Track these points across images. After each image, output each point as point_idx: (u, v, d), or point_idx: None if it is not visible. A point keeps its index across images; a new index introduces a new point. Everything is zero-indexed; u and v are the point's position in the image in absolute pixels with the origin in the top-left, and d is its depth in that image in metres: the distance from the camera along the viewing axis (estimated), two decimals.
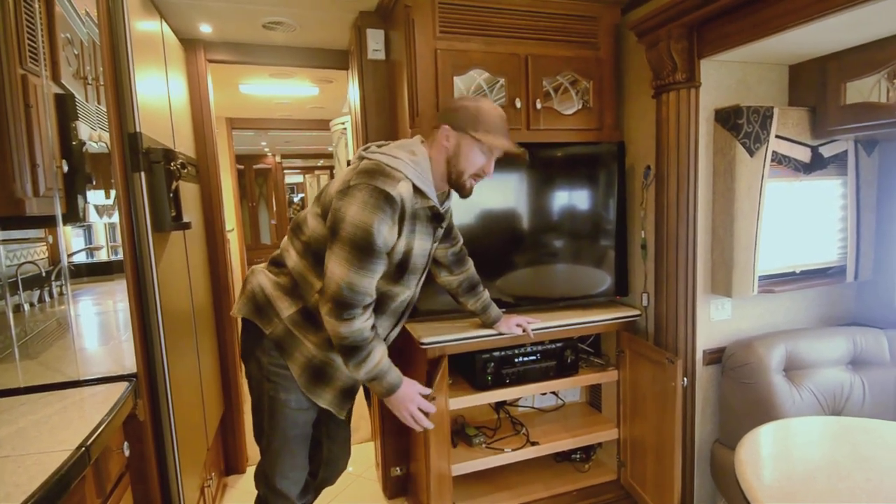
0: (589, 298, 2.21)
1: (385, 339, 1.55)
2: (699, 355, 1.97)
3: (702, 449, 2.03)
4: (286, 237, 1.51)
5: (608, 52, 2.14)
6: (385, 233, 1.29)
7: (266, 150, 8.02)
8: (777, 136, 1.87)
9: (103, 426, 1.14)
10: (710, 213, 1.93)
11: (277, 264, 1.50)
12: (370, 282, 1.32)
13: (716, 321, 1.98)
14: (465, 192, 1.48)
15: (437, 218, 1.48)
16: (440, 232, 1.58)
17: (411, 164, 1.36)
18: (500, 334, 1.93)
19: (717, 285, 1.93)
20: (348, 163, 1.55)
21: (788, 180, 1.99)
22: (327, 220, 1.33)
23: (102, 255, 1.82)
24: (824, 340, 1.92)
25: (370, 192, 1.27)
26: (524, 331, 1.94)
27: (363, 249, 1.27)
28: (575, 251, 2.21)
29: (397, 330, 1.62)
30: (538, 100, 2.04)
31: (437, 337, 1.86)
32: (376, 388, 1.42)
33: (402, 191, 1.31)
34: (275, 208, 8.32)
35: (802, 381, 1.84)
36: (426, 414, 1.47)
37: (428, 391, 1.49)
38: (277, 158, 8.28)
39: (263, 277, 1.48)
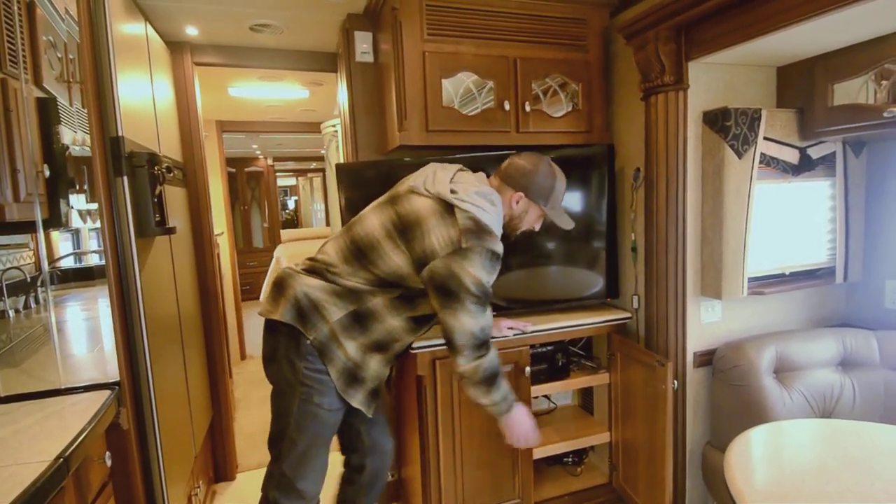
0: (580, 301, 2.21)
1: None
2: (690, 357, 1.97)
3: (693, 451, 2.03)
4: (340, 259, 1.52)
5: (597, 55, 2.13)
6: (491, 280, 1.49)
7: (258, 152, 7.98)
8: (765, 138, 1.87)
9: (83, 436, 1.12)
10: (699, 215, 1.93)
11: (323, 277, 1.52)
12: (489, 321, 1.50)
13: (706, 323, 1.98)
14: (510, 237, 1.65)
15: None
16: None
17: (496, 217, 1.51)
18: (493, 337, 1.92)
19: (707, 287, 1.93)
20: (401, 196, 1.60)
21: (777, 182, 1.99)
22: (431, 275, 1.44)
23: (94, 259, 1.80)
24: (814, 342, 1.92)
25: (487, 256, 1.44)
26: (520, 332, 1.96)
27: (483, 301, 1.45)
28: (566, 254, 2.21)
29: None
30: (527, 102, 2.03)
31: (428, 342, 1.85)
32: (502, 408, 1.54)
33: (500, 248, 1.49)
34: (267, 211, 8.27)
35: (793, 382, 1.84)
36: None
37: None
38: (269, 161, 8.24)
39: (309, 282, 1.50)
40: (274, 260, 5.78)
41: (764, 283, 2.01)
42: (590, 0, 2.08)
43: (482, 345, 1.47)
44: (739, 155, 1.81)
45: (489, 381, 1.50)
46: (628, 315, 2.16)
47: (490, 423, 1.98)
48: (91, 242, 1.79)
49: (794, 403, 1.82)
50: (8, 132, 1.34)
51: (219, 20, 2.18)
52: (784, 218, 2.03)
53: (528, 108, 2.03)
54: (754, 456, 1.44)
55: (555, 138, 2.11)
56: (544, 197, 1.60)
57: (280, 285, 1.53)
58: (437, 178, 1.52)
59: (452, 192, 1.47)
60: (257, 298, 6.58)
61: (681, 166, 1.87)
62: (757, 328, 2.06)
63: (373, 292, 1.51)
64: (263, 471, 2.67)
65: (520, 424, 1.58)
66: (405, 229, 1.47)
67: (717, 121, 1.84)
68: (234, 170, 7.90)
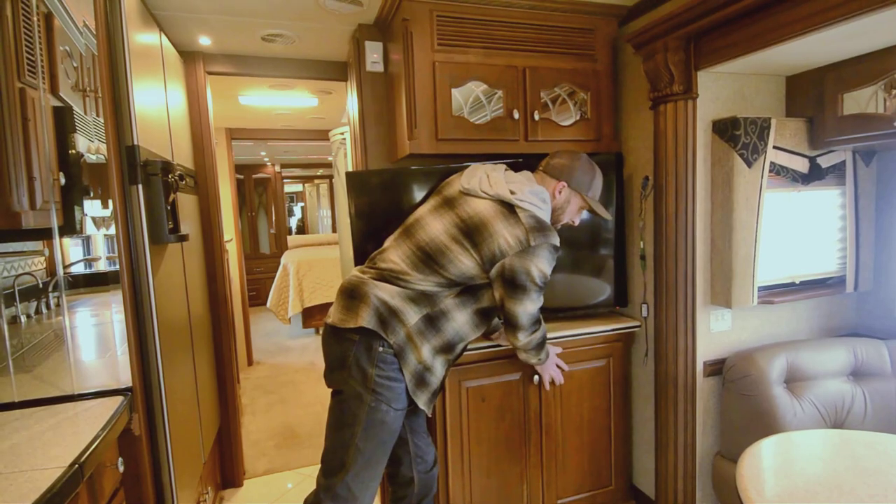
0: (589, 309, 2.21)
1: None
2: (699, 367, 1.96)
3: (703, 461, 2.02)
4: (408, 265, 1.56)
5: (605, 64, 2.15)
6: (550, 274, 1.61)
7: (265, 159, 8.05)
8: (775, 147, 1.88)
9: (97, 442, 1.13)
10: (708, 223, 1.93)
11: (394, 282, 1.55)
12: (539, 306, 1.63)
13: (716, 332, 1.98)
14: (555, 228, 1.68)
15: None
16: None
17: (548, 213, 1.64)
18: (500, 346, 1.92)
19: (717, 296, 1.92)
20: (443, 196, 1.68)
21: (787, 191, 1.99)
22: (502, 271, 1.53)
23: (101, 266, 1.82)
24: (825, 351, 1.91)
25: (550, 251, 1.55)
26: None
27: (541, 288, 1.59)
28: (575, 262, 2.21)
29: None
30: (536, 111, 2.04)
31: None
32: (543, 359, 1.78)
33: (558, 241, 1.59)
34: (274, 217, 8.32)
35: (803, 392, 1.83)
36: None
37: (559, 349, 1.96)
38: (277, 168, 8.29)
39: (385, 287, 1.54)
40: (281, 267, 5.81)
41: (774, 292, 2.00)
42: (598, 10, 2.10)
43: (538, 321, 1.66)
44: (749, 164, 1.81)
45: (540, 346, 1.72)
46: (637, 323, 2.15)
47: (498, 430, 1.98)
48: (101, 249, 1.81)
49: (805, 414, 1.80)
50: (25, 141, 1.36)
51: (231, 30, 2.20)
52: (794, 227, 2.02)
53: (536, 117, 2.04)
54: (766, 467, 1.43)
55: (563, 147, 2.11)
56: (587, 186, 1.70)
57: (353, 293, 1.55)
58: (492, 179, 1.60)
59: (511, 192, 1.55)
60: (264, 304, 6.61)
61: (690, 175, 1.87)
62: (767, 337, 2.05)
63: (444, 294, 1.58)
64: (270, 478, 2.67)
65: (549, 369, 1.90)
66: (471, 232, 1.54)
67: (726, 130, 1.84)
68: (241, 176, 7.96)
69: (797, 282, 2.08)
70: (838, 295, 2.11)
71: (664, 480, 2.05)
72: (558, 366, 1.93)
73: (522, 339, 1.66)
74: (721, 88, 1.90)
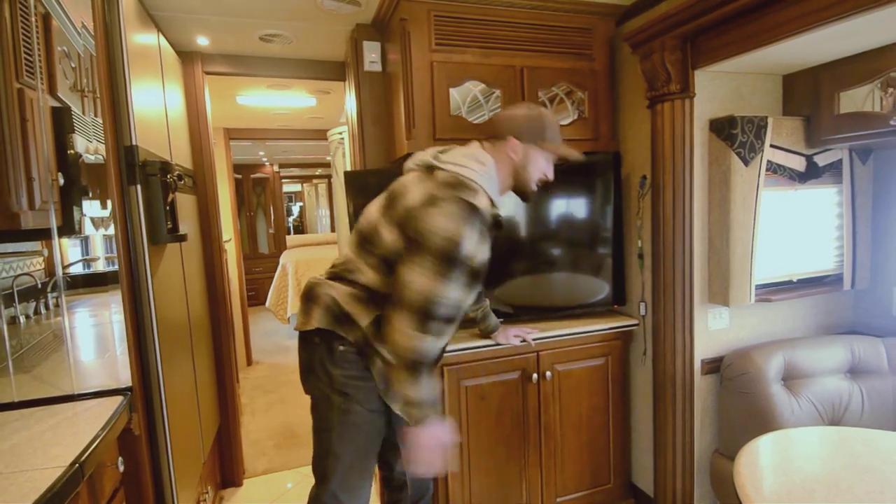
0: (587, 308, 2.21)
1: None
2: (697, 365, 1.97)
3: (701, 459, 2.02)
4: (353, 253, 1.47)
5: (603, 64, 2.15)
6: (472, 245, 1.28)
7: (264, 159, 8.04)
8: (772, 146, 1.88)
9: (97, 441, 1.13)
10: (706, 222, 1.93)
11: (345, 280, 1.46)
12: (456, 294, 1.28)
13: (713, 330, 1.98)
14: (530, 198, 1.54)
15: (497, 226, 1.46)
16: None
17: (484, 177, 1.38)
18: (498, 345, 1.93)
19: (715, 294, 1.93)
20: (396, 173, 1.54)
21: (784, 189, 2.00)
22: (406, 231, 1.31)
23: (99, 266, 1.82)
24: (822, 349, 1.92)
25: (459, 205, 1.27)
26: (523, 341, 1.94)
27: (448, 259, 1.25)
28: (573, 260, 2.21)
29: None
30: None
31: None
32: (415, 413, 1.33)
33: (483, 204, 1.32)
34: (272, 217, 8.32)
35: (801, 390, 1.84)
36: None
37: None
38: (275, 168, 8.29)
39: (335, 290, 1.44)
40: (280, 267, 5.81)
41: (771, 291, 2.01)
42: (596, 10, 2.10)
43: (427, 317, 1.26)
44: (746, 162, 1.82)
45: (412, 367, 1.29)
46: (635, 322, 2.16)
47: (498, 429, 1.99)
48: (99, 249, 1.81)
49: (803, 411, 1.81)
50: (24, 141, 1.36)
51: (229, 31, 2.21)
52: (791, 225, 2.03)
53: None
54: (763, 464, 1.44)
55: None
56: (540, 135, 1.48)
57: (309, 295, 1.48)
58: (426, 152, 1.47)
59: (437, 157, 1.42)
60: (263, 304, 6.62)
61: (687, 174, 1.88)
62: (764, 335, 2.06)
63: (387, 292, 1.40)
64: (269, 477, 2.67)
65: (427, 445, 1.35)
66: (392, 201, 1.39)
67: (723, 129, 1.85)
68: (240, 176, 7.96)
69: (794, 280, 2.09)
70: (835, 293, 2.12)
71: (663, 478, 2.06)
72: (443, 455, 1.36)
73: (398, 324, 1.27)
74: (718, 87, 1.91)
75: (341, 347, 1.42)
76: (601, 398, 2.14)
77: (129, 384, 1.48)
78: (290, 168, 8.58)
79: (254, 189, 8.25)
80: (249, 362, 4.86)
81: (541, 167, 1.50)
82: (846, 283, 2.07)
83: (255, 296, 7.48)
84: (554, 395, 2.05)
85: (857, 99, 1.77)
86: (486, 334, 1.94)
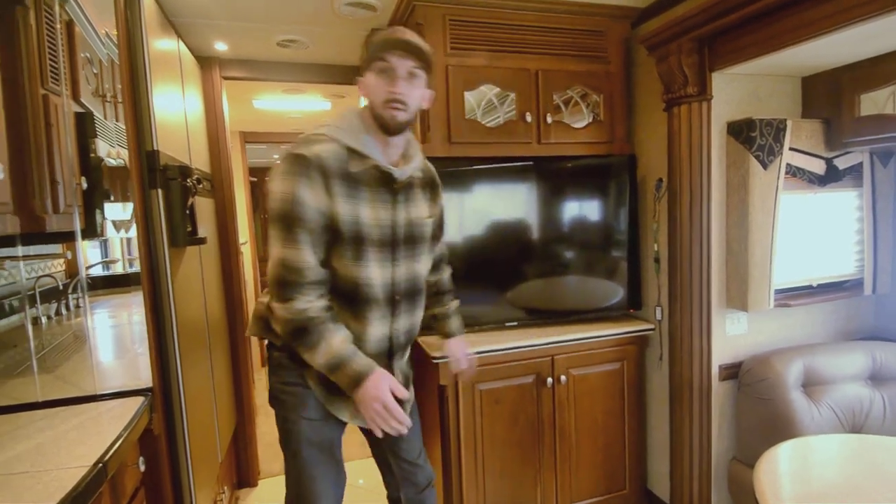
0: (601, 311, 2.20)
1: (395, 339, 1.38)
2: (715, 370, 1.95)
3: (719, 465, 2.00)
4: None
5: (618, 66, 2.14)
6: (308, 197, 1.18)
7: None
8: (791, 149, 1.86)
9: (120, 441, 1.15)
10: (723, 226, 1.92)
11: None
12: (303, 254, 1.20)
13: (731, 336, 1.96)
14: (387, 126, 1.25)
15: (388, 181, 1.28)
16: (409, 204, 1.36)
17: (337, 124, 1.27)
18: (511, 348, 1.93)
19: (733, 299, 1.91)
20: None
21: (803, 193, 1.97)
22: None
23: (118, 268, 1.85)
24: (843, 355, 1.89)
25: (287, 160, 1.20)
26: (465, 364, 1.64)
27: (289, 220, 1.18)
28: (587, 263, 2.21)
29: (406, 323, 1.40)
30: (549, 114, 2.04)
31: None
32: (342, 380, 1.23)
33: (317, 150, 1.20)
34: None
35: (821, 397, 1.81)
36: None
37: (404, 393, 1.27)
38: None
39: (265, 295, 1.35)
40: None
41: (790, 295, 1.98)
42: (611, 12, 2.09)
43: (285, 285, 1.20)
44: (765, 166, 1.80)
45: (297, 336, 1.21)
46: (651, 326, 2.14)
47: (512, 433, 1.99)
48: (118, 251, 1.84)
49: (823, 418, 1.78)
50: (49, 146, 1.39)
51: (247, 36, 2.24)
52: (811, 229, 2.01)
53: (549, 120, 2.04)
54: (783, 472, 1.42)
55: (576, 149, 2.11)
56: (364, 60, 1.27)
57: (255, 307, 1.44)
58: None
59: None
60: None
61: (705, 177, 1.86)
62: (783, 341, 2.03)
63: None
64: (283, 478, 2.69)
65: (368, 403, 1.22)
66: None
67: (741, 131, 1.83)
68: (255, 179, 8.01)
69: (814, 285, 2.06)
70: (856, 298, 2.09)
71: (679, 485, 2.03)
72: (387, 408, 1.22)
73: (275, 308, 1.22)
74: (735, 90, 1.89)
75: (275, 354, 1.36)
76: (616, 403, 2.13)
77: (150, 385, 1.50)
78: None
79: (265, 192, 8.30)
80: (263, 363, 4.90)
81: (376, 87, 1.24)
82: (867, 288, 2.03)
83: None
84: (569, 399, 2.04)
85: (879, 101, 1.74)
86: (443, 337, 1.65)
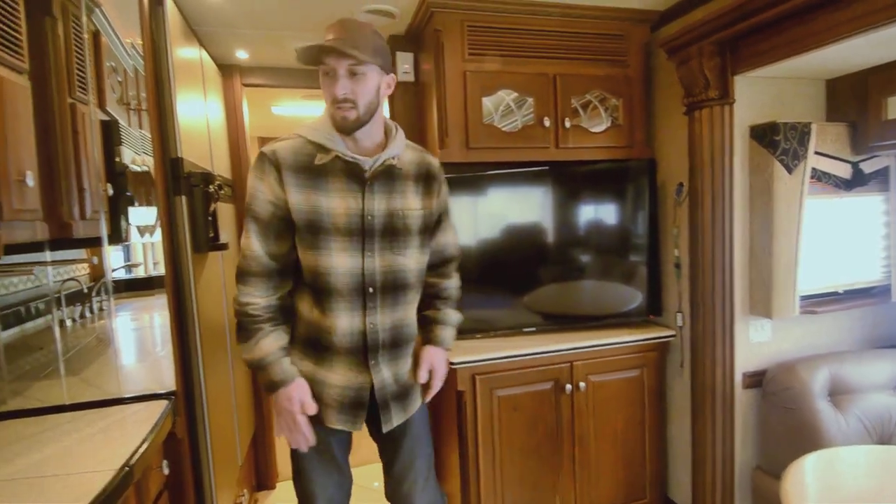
0: (620, 317, 2.18)
1: (371, 335, 1.32)
2: (738, 378, 1.91)
3: (742, 474, 1.96)
4: None
5: (638, 70, 2.13)
6: (260, 190, 1.26)
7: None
8: (816, 153, 1.82)
9: (146, 445, 1.17)
10: (747, 231, 1.88)
11: None
12: (251, 242, 1.26)
13: (755, 343, 1.93)
14: (339, 126, 1.26)
15: (356, 171, 1.28)
16: (388, 194, 1.32)
17: (309, 123, 1.32)
18: (528, 353, 1.92)
19: (756, 306, 1.88)
20: None
21: (828, 197, 1.94)
22: None
23: (139, 271, 1.88)
24: (870, 363, 1.85)
25: (255, 160, 1.29)
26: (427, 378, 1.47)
27: (246, 211, 1.28)
28: (605, 268, 2.19)
29: (387, 319, 1.34)
30: (567, 118, 2.03)
31: (468, 357, 1.85)
32: (262, 382, 1.29)
33: (276, 147, 1.28)
34: None
35: (848, 406, 1.77)
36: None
37: (314, 410, 1.29)
38: None
39: None
40: None
41: (816, 302, 1.94)
42: (629, 16, 2.08)
43: (239, 273, 1.27)
44: (789, 170, 1.77)
45: (237, 327, 1.28)
46: (672, 333, 2.11)
47: (531, 440, 1.97)
48: (140, 255, 1.87)
49: (850, 428, 1.74)
50: (76, 154, 1.43)
51: (268, 44, 2.26)
52: (836, 234, 1.96)
53: (567, 124, 2.03)
54: (810, 484, 1.39)
55: (595, 153, 2.10)
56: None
57: None
58: None
59: None
60: None
61: (727, 182, 1.84)
62: (809, 348, 1.98)
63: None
64: None
65: (277, 412, 1.29)
66: None
67: (765, 135, 1.80)
68: None
69: (840, 291, 2.01)
70: (883, 304, 2.03)
71: (701, 494, 2.00)
72: (294, 421, 1.27)
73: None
74: (758, 93, 1.86)
75: None
76: (637, 410, 2.10)
77: (173, 388, 1.52)
78: None
79: None
80: None
81: (324, 90, 1.27)
82: (894, 294, 1.99)
83: None
84: (588, 406, 2.02)
85: None
86: (423, 343, 1.50)
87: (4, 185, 1.09)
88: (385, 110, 2.40)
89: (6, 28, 1.13)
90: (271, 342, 1.27)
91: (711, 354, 1.91)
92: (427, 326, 1.49)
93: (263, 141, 4.55)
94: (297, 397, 1.27)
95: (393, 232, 1.32)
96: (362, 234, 1.29)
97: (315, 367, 1.33)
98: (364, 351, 1.32)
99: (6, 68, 1.13)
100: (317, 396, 1.32)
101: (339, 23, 1.24)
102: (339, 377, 1.32)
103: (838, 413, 1.76)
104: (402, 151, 1.36)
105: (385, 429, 1.37)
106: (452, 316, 1.52)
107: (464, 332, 2.02)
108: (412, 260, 1.36)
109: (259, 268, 1.27)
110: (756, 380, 1.93)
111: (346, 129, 1.26)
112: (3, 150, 1.10)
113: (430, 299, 1.51)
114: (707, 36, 1.76)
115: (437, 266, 1.49)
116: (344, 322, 1.30)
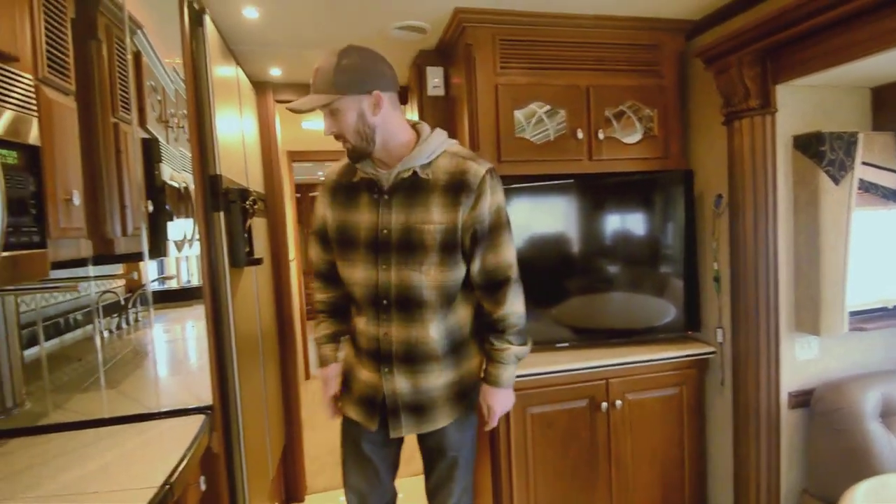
0: (655, 332, 2.12)
1: (384, 345, 1.36)
2: (783, 397, 1.83)
3: (788, 498, 1.87)
4: None
5: (672, 80, 2.09)
6: (317, 208, 1.48)
7: (322, 178, 8.28)
8: (863, 163, 1.76)
9: (185, 462, 1.17)
10: (791, 245, 1.82)
11: None
12: (312, 252, 1.51)
13: (801, 361, 1.85)
14: (348, 158, 1.35)
15: (373, 185, 1.33)
16: (408, 208, 1.31)
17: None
18: (563, 370, 1.88)
19: (803, 322, 1.80)
20: None
21: (876, 209, 1.86)
22: None
23: (171, 283, 1.91)
24: None
25: None
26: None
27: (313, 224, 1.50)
28: (639, 282, 2.14)
29: (401, 334, 1.34)
30: (600, 130, 2.00)
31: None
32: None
33: (329, 169, 1.46)
34: None
35: None
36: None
37: (331, 391, 1.50)
38: None
39: None
40: None
41: (865, 318, 1.86)
42: (663, 26, 2.05)
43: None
44: (836, 181, 1.70)
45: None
46: (712, 349, 2.04)
47: (565, 459, 1.92)
48: (173, 267, 1.90)
49: None
50: (119, 172, 1.46)
51: (301, 61, 2.30)
52: (885, 247, 1.88)
53: (601, 136, 2.00)
54: None
55: (629, 165, 2.06)
56: None
57: None
58: None
59: None
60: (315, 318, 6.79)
61: (770, 194, 1.78)
62: (858, 367, 1.90)
63: None
64: (330, 494, 2.71)
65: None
66: None
67: (809, 146, 1.74)
68: (299, 195, 8.22)
69: (891, 306, 1.93)
70: None
71: None
72: (323, 394, 1.55)
73: None
74: (799, 102, 1.80)
75: None
76: (675, 429, 2.03)
77: (209, 402, 1.53)
78: None
79: (309, 206, 8.50)
80: (307, 376, 4.96)
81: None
82: None
83: (313, 309, 7.65)
84: (625, 425, 1.96)
85: None
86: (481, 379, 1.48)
87: (52, 204, 1.12)
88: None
89: (56, 52, 1.16)
90: (322, 329, 1.53)
91: (755, 373, 1.84)
92: (487, 362, 1.44)
93: (292, 154, 4.62)
94: (325, 376, 1.50)
95: (408, 246, 1.31)
96: (376, 247, 1.33)
97: (353, 360, 1.46)
98: (377, 358, 1.37)
99: (55, 90, 1.17)
100: (349, 386, 1.47)
101: (314, 71, 1.31)
102: (363, 374, 1.42)
103: (891, 435, 1.67)
104: (432, 159, 1.32)
105: (392, 434, 1.39)
106: (509, 353, 1.39)
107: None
108: (429, 277, 1.31)
109: (317, 271, 1.52)
110: (802, 399, 1.85)
111: (353, 158, 1.33)
112: (52, 170, 1.12)
113: (487, 331, 1.42)
114: (747, 45, 1.71)
115: (488, 290, 1.37)
116: (365, 328, 1.39)
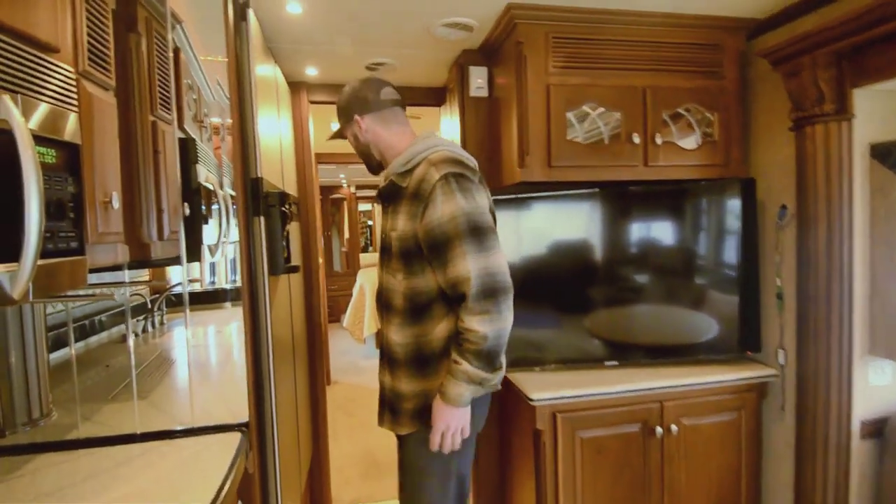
0: (708, 351, 1.98)
1: (382, 344, 1.47)
2: (855, 426, 1.70)
3: None
4: None
5: (734, 82, 1.96)
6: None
7: (343, 181, 8.25)
8: None
9: (226, 489, 1.08)
10: (867, 260, 1.68)
11: None
12: None
13: (875, 387, 1.71)
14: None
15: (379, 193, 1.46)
16: (393, 214, 1.38)
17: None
18: (613, 392, 1.76)
19: (878, 345, 1.66)
20: None
21: None
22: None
23: (195, 285, 1.83)
24: None
25: None
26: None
27: None
28: (680, 294, 2.01)
29: (387, 334, 1.41)
30: (657, 134, 1.89)
31: (548, 394, 1.71)
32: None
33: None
34: (346, 236, 8.48)
35: None
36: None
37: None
38: (352, 189, 8.49)
39: None
40: (358, 287, 5.86)
41: None
42: (725, 24, 1.92)
43: None
44: None
45: None
46: (774, 372, 1.91)
47: (616, 487, 1.80)
48: (196, 270, 1.82)
49: None
50: (156, 174, 1.38)
51: (339, 60, 2.22)
52: None
53: (658, 141, 1.88)
54: None
55: (687, 172, 1.94)
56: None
57: None
58: None
59: None
60: (338, 321, 6.74)
61: (845, 206, 1.65)
62: None
63: None
64: None
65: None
66: None
67: (889, 155, 1.61)
68: (321, 197, 8.20)
69: None
70: None
71: None
72: None
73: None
74: (878, 108, 1.67)
75: None
76: (732, 457, 1.89)
77: (244, 419, 1.44)
78: (365, 189, 8.75)
79: (329, 209, 8.47)
80: (329, 382, 4.89)
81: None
82: None
83: (330, 313, 7.62)
84: (679, 451, 1.83)
85: None
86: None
87: (91, 207, 1.04)
88: (454, 128, 2.31)
89: (97, 44, 1.08)
90: None
91: (825, 398, 1.70)
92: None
93: (320, 157, 4.56)
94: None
95: (386, 252, 1.42)
96: (380, 251, 1.47)
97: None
98: (381, 351, 1.47)
99: (95, 85, 1.09)
100: None
101: None
102: (384, 377, 1.47)
103: None
104: (410, 167, 1.34)
105: (378, 422, 1.47)
106: (461, 369, 1.25)
107: (536, 363, 1.89)
108: (398, 283, 1.35)
109: None
110: (876, 428, 1.71)
111: (370, 171, 1.55)
112: (91, 170, 1.05)
113: (455, 343, 1.31)
114: (823, 45, 1.59)
115: (455, 303, 1.30)
116: None
